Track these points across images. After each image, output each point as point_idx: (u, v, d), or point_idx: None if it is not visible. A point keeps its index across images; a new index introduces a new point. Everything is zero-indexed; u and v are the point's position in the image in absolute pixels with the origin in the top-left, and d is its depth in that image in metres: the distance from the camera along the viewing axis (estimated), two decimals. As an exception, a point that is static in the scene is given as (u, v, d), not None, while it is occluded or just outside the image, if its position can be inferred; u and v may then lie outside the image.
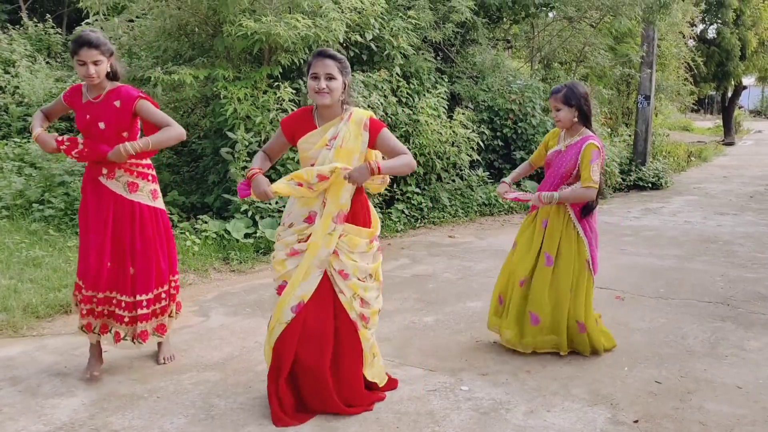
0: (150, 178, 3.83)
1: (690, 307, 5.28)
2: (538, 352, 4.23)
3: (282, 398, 3.32)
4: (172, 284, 3.97)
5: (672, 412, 3.50)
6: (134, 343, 3.83)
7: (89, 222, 3.71)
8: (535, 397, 3.65)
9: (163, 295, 3.88)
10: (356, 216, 3.39)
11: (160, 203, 3.88)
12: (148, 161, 3.85)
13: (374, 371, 3.56)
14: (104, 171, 3.68)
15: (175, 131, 3.66)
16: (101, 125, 3.63)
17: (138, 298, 3.76)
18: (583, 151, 4.04)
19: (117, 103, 3.64)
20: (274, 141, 3.52)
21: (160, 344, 4.07)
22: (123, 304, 3.76)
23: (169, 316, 3.98)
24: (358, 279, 3.38)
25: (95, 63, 3.53)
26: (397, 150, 3.36)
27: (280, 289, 3.37)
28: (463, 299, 5.46)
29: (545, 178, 4.26)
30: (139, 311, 3.77)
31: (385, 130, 3.38)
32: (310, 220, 3.33)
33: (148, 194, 3.79)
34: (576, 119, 4.10)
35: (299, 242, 3.33)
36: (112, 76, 3.69)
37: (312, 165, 3.30)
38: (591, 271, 4.19)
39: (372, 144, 3.35)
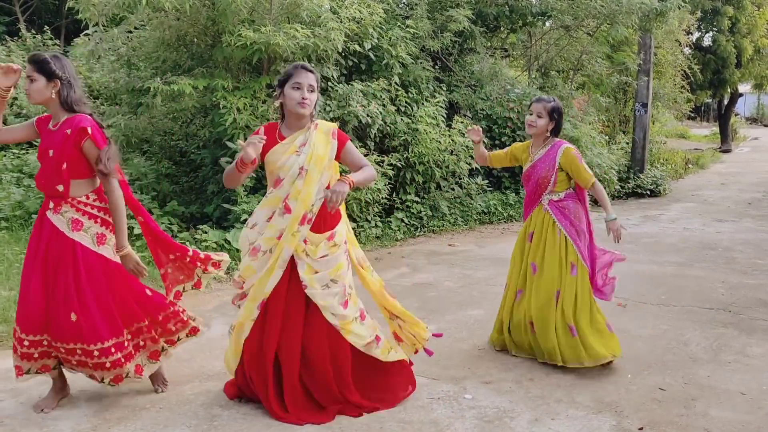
0: (99, 221, 3.45)
1: (692, 314, 5.27)
2: (537, 360, 4.25)
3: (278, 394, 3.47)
4: (145, 329, 3.58)
5: (677, 418, 3.49)
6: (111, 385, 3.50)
7: (29, 258, 3.42)
8: (540, 405, 3.64)
9: (127, 342, 3.49)
10: (324, 223, 3.46)
11: (107, 251, 3.44)
12: (103, 204, 3.47)
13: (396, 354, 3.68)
14: (51, 205, 3.40)
15: (108, 183, 3.40)
16: (51, 153, 3.35)
17: (93, 347, 3.36)
18: (562, 157, 4.20)
19: (68, 131, 3.33)
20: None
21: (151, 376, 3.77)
22: (79, 351, 3.37)
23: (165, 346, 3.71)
24: (321, 288, 3.41)
25: (29, 78, 3.31)
26: (361, 162, 3.54)
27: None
28: (464, 307, 5.45)
29: (527, 194, 4.40)
30: (106, 359, 3.39)
31: (350, 143, 3.54)
32: (270, 219, 3.43)
33: (92, 237, 3.40)
34: (548, 132, 4.26)
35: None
36: (65, 105, 3.37)
37: (279, 177, 3.38)
38: (583, 269, 4.18)
39: (338, 155, 3.48)
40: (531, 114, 4.25)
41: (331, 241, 3.46)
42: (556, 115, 4.21)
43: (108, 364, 3.40)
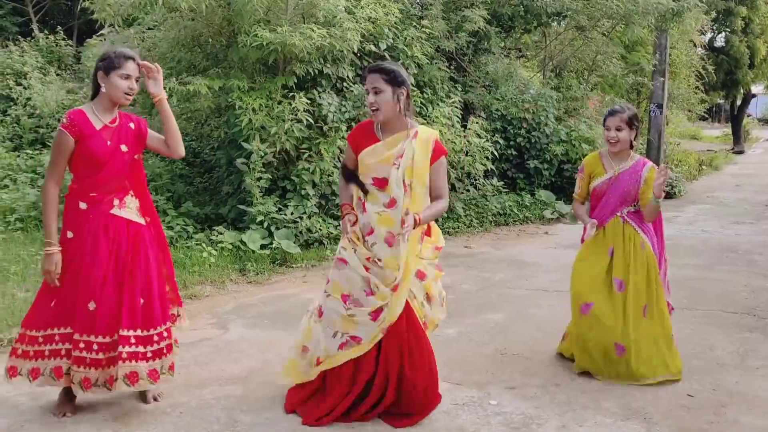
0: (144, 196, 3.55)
1: (715, 318, 5.19)
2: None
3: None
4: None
5: (707, 426, 3.41)
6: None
7: (100, 263, 3.30)
8: (566, 411, 3.56)
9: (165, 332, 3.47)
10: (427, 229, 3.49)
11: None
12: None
13: None
14: (116, 202, 3.37)
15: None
16: (124, 148, 3.36)
17: (153, 331, 3.38)
18: (647, 176, 3.98)
19: (132, 125, 3.43)
20: (348, 158, 3.53)
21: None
22: (155, 338, 3.37)
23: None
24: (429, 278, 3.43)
25: (137, 79, 3.34)
26: (441, 190, 3.40)
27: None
28: (483, 311, 5.38)
29: (599, 205, 4.11)
30: (154, 346, 3.39)
31: (443, 159, 3.39)
32: (389, 241, 3.29)
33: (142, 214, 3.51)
34: (632, 141, 4.04)
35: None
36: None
37: (374, 178, 3.31)
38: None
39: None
40: (609, 130, 3.98)
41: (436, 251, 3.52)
42: (635, 123, 4.00)
43: (164, 349, 3.41)
